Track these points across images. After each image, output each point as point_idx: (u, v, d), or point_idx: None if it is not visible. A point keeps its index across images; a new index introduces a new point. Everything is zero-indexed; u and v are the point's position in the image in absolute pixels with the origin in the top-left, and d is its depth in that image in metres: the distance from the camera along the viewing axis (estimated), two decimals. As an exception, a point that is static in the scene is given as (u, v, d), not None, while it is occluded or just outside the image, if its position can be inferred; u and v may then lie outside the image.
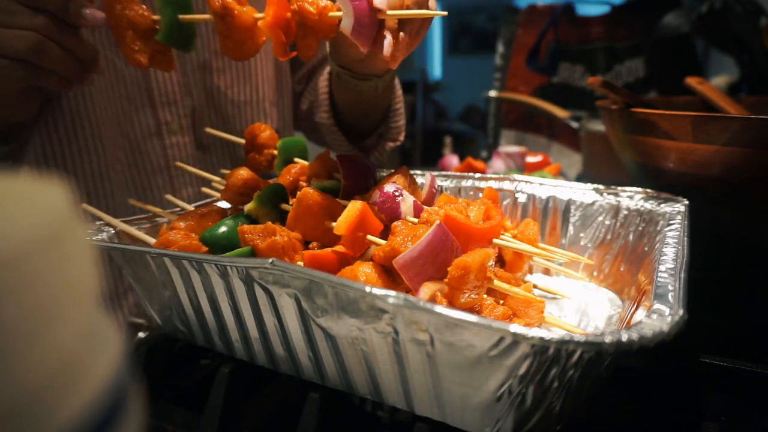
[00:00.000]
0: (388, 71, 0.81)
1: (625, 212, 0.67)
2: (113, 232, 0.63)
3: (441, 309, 0.35)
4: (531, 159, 1.06)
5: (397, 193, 0.56)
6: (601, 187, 0.71)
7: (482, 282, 0.46)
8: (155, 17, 0.63)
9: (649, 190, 0.67)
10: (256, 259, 0.44)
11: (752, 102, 0.94)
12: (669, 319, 0.36)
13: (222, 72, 0.96)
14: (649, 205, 0.65)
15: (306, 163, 0.71)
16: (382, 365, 0.43)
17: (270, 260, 0.42)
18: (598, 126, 1.17)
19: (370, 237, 0.53)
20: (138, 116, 0.89)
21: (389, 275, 0.50)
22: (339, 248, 0.54)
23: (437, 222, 0.48)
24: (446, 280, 0.45)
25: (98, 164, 0.86)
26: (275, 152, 0.73)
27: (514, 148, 1.07)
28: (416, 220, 0.55)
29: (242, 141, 0.76)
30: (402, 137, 1.05)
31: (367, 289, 0.38)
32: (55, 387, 0.12)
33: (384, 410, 0.52)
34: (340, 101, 0.95)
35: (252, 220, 0.61)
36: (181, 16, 0.62)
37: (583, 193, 0.72)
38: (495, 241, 0.54)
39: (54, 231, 0.13)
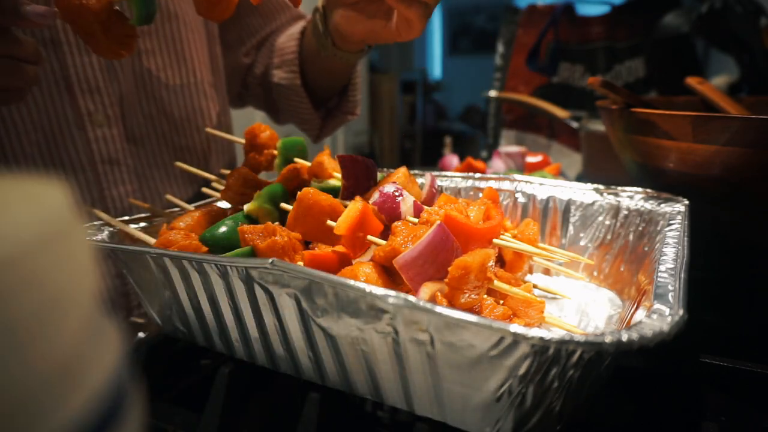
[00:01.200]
0: (370, 48, 0.83)
1: (625, 212, 0.67)
2: (113, 232, 0.63)
3: (441, 309, 0.35)
4: (531, 159, 1.06)
5: (397, 193, 0.56)
6: (601, 187, 0.71)
7: (482, 282, 0.46)
8: None
9: (649, 190, 0.67)
10: (256, 259, 0.44)
11: (752, 102, 0.94)
12: (669, 319, 0.36)
13: (152, 54, 0.86)
14: (649, 205, 0.65)
15: (306, 163, 0.71)
16: (382, 365, 0.43)
17: (270, 260, 0.42)
18: (598, 126, 1.17)
19: (370, 237, 0.53)
20: (54, 106, 0.78)
21: (389, 275, 0.50)
22: (339, 248, 0.54)
23: (438, 222, 0.48)
24: (446, 280, 0.45)
25: (5, 162, 0.77)
26: (275, 152, 0.73)
27: (514, 148, 1.07)
28: (416, 220, 0.55)
29: (242, 141, 0.76)
30: (358, 111, 1.04)
31: (367, 289, 0.38)
32: (56, 386, 0.12)
33: (384, 410, 0.52)
34: (312, 65, 0.93)
35: (252, 220, 0.61)
36: None
37: (583, 193, 0.72)
38: (495, 241, 0.54)
39: (54, 231, 0.13)
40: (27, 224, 0.12)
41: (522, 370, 0.36)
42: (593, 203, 0.71)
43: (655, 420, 0.51)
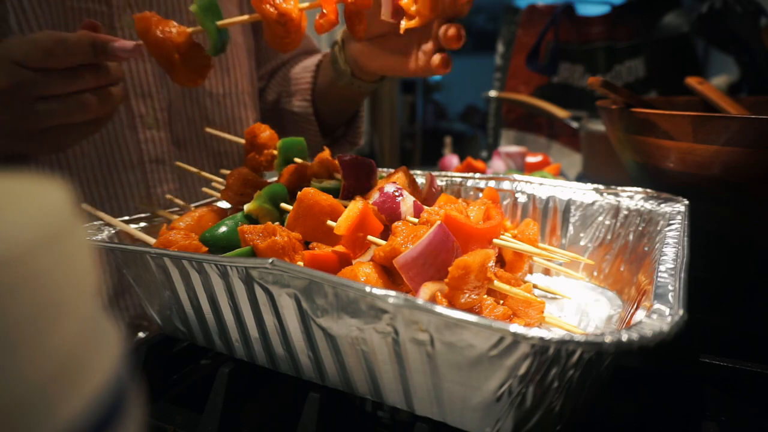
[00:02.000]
0: (384, 78, 0.88)
1: (625, 212, 0.67)
2: (113, 232, 0.63)
3: (441, 309, 0.35)
4: (531, 159, 1.06)
5: (397, 193, 0.56)
6: (601, 187, 0.71)
7: (482, 282, 0.46)
8: (189, 30, 0.62)
9: (649, 190, 0.67)
10: (256, 259, 0.44)
11: (752, 102, 0.94)
12: (669, 319, 0.36)
13: None
14: (649, 205, 0.65)
15: (306, 163, 0.71)
16: (382, 365, 0.43)
17: (270, 260, 0.42)
18: (598, 126, 1.17)
19: (370, 237, 0.53)
20: None
21: (389, 275, 0.50)
22: (339, 248, 0.54)
23: (438, 222, 0.48)
24: (446, 280, 0.45)
25: (63, 157, 0.82)
26: (275, 152, 0.73)
27: (514, 148, 1.07)
28: (416, 220, 0.55)
29: (242, 141, 0.76)
30: (361, 141, 1.13)
31: (367, 289, 0.38)
32: (56, 386, 0.12)
33: (384, 410, 0.52)
34: (324, 96, 0.99)
35: (252, 220, 0.61)
36: (219, 23, 0.61)
37: (583, 193, 0.72)
38: (495, 241, 0.54)
39: (54, 231, 0.13)
40: (27, 224, 0.12)
41: (522, 370, 0.36)
42: (593, 203, 0.71)
43: (655, 420, 0.51)
